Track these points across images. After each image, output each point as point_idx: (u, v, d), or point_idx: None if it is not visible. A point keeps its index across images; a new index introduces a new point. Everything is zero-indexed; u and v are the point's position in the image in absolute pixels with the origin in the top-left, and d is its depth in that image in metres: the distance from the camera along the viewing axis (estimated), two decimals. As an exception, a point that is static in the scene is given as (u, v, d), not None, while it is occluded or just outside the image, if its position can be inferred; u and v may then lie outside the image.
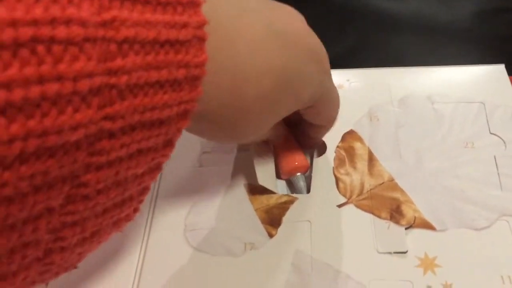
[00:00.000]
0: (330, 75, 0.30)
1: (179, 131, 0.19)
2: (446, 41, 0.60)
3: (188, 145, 0.39)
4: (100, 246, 0.33)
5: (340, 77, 0.42)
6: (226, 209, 0.35)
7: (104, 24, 0.14)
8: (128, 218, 0.20)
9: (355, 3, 0.64)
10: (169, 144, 0.19)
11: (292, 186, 0.37)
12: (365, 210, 0.34)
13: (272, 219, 0.34)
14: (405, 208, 0.34)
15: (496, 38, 0.59)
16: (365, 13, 0.63)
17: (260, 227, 0.34)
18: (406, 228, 0.33)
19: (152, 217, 0.35)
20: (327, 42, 0.64)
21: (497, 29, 0.60)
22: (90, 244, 0.19)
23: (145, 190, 0.20)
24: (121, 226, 0.20)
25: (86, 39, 0.13)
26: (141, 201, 0.20)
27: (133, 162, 0.17)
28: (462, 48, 0.58)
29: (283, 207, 0.35)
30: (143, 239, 0.34)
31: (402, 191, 0.35)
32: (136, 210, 0.21)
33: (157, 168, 0.19)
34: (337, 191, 0.35)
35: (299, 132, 0.36)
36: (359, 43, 0.60)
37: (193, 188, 0.36)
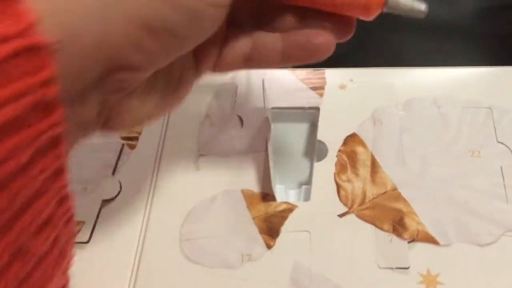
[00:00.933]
0: None
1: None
2: (447, 39, 0.58)
3: (184, 148, 0.38)
4: (93, 256, 0.32)
5: (343, 77, 0.41)
6: (223, 217, 0.34)
7: None
8: None
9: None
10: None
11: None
12: (367, 221, 0.33)
13: (271, 229, 0.33)
14: (408, 221, 0.33)
15: (497, 36, 0.58)
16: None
17: (258, 238, 0.33)
18: (409, 242, 0.32)
19: (146, 226, 0.34)
20: None
21: (499, 27, 0.59)
22: None
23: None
24: None
25: None
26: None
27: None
28: (464, 46, 0.57)
29: (282, 216, 0.34)
30: (136, 250, 0.33)
31: (405, 201, 0.34)
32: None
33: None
34: (338, 199, 0.34)
35: None
36: (360, 42, 0.58)
37: (189, 194, 0.35)
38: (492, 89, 0.39)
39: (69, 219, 0.17)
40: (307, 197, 0.35)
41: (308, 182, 0.36)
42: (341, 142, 0.37)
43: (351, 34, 0.25)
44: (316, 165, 0.36)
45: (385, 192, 0.34)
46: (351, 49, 0.57)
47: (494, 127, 0.37)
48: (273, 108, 0.40)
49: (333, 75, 0.41)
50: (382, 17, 0.63)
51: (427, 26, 0.63)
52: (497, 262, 0.31)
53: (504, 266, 0.31)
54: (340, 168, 0.36)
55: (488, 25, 0.62)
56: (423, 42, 0.60)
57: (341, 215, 0.33)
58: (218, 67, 0.24)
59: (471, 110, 0.38)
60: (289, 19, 0.24)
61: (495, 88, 0.39)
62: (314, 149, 0.37)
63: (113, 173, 0.37)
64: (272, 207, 0.34)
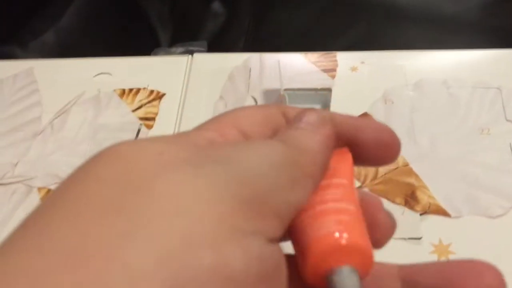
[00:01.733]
0: None
1: None
2: (452, 32, 0.59)
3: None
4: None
5: (354, 59, 0.42)
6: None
7: None
8: None
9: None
10: None
11: None
12: (379, 195, 0.34)
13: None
14: (419, 194, 0.34)
15: (502, 28, 0.58)
16: (374, 5, 0.63)
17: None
18: (421, 214, 0.33)
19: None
20: (336, 33, 0.63)
21: (503, 20, 0.60)
22: None
23: None
24: None
25: None
26: None
27: None
28: (469, 39, 0.58)
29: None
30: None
31: (416, 176, 0.35)
32: None
33: None
34: (351, 175, 0.35)
35: None
36: (367, 35, 0.59)
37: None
38: (501, 70, 0.40)
39: None
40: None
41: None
42: (353, 121, 0.38)
43: None
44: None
45: (397, 167, 0.35)
46: (357, 43, 0.59)
47: (503, 106, 0.38)
48: (286, 89, 0.41)
49: (345, 58, 0.42)
50: (386, 14, 0.64)
51: (433, 20, 0.64)
52: (507, 232, 0.32)
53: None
54: (353, 146, 0.37)
55: (493, 18, 0.63)
56: (429, 36, 0.61)
57: (354, 190, 0.34)
58: None
59: (480, 91, 0.39)
60: None
61: (504, 69, 0.40)
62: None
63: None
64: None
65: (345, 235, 0.16)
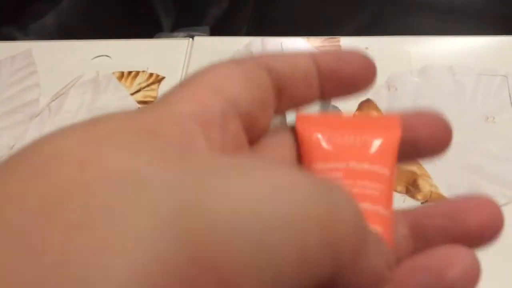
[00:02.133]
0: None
1: None
2: (459, 20, 0.58)
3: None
4: None
5: (359, 44, 0.41)
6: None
7: None
8: None
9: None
10: None
11: None
12: (381, 183, 0.33)
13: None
14: (421, 182, 0.33)
15: (508, 16, 0.57)
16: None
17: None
18: (422, 203, 0.32)
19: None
20: (342, 20, 0.62)
21: (508, 9, 0.59)
22: None
23: None
24: None
25: None
26: None
27: None
28: (475, 27, 0.57)
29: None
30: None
31: (419, 164, 0.34)
32: None
33: None
34: (352, 162, 0.35)
35: None
36: (373, 22, 0.58)
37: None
38: (507, 57, 0.39)
39: None
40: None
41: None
42: (355, 107, 0.37)
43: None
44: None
45: (399, 155, 0.35)
46: (362, 30, 0.58)
47: (510, 94, 0.37)
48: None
49: (349, 43, 0.41)
50: (392, 2, 0.63)
51: (440, 9, 0.63)
52: (510, 222, 0.31)
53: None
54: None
55: (501, 6, 0.61)
56: (436, 25, 0.60)
57: (355, 177, 0.34)
58: None
59: (486, 78, 0.38)
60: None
61: (509, 56, 0.39)
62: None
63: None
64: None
65: None
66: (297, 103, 0.17)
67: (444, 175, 0.33)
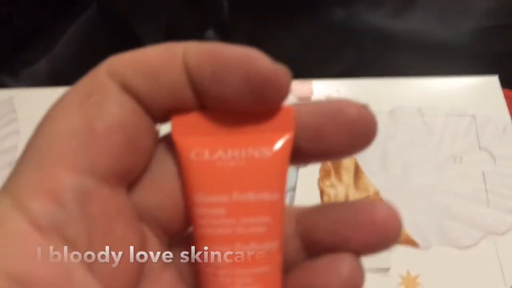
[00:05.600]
0: None
1: None
2: (444, 58, 0.59)
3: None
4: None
5: (330, 87, 0.42)
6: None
7: None
8: None
9: (354, 22, 0.63)
10: None
11: None
12: (349, 225, 0.33)
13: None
14: (389, 224, 0.33)
15: (493, 55, 0.58)
16: (365, 32, 0.63)
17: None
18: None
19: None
20: (328, 61, 0.63)
21: (495, 46, 0.60)
22: None
23: None
24: None
25: None
26: None
27: None
28: (460, 64, 0.58)
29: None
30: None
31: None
32: None
33: None
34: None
35: None
36: (358, 62, 0.60)
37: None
38: (475, 98, 0.39)
39: None
40: (291, 203, 0.36)
41: (293, 188, 0.37)
42: (326, 149, 0.38)
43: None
44: (301, 171, 0.37)
45: (367, 196, 0.35)
46: (348, 70, 0.59)
47: (477, 134, 0.37)
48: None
49: (320, 86, 0.42)
50: (377, 41, 0.65)
51: (424, 46, 0.64)
52: (477, 264, 0.31)
53: (483, 268, 0.31)
54: (324, 174, 0.36)
55: (484, 44, 0.63)
56: (421, 62, 0.61)
57: (323, 219, 0.34)
58: None
59: (455, 118, 0.38)
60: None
61: (479, 97, 0.40)
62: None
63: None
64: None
65: None
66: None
67: (411, 216, 0.33)
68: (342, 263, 0.15)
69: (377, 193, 0.35)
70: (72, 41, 0.71)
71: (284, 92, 0.14)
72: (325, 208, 0.16)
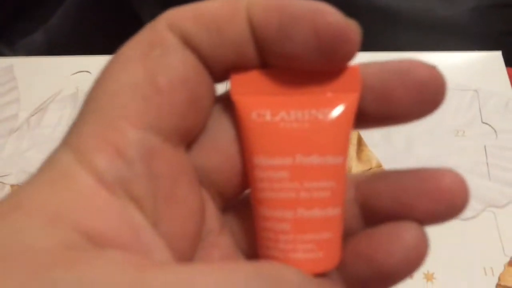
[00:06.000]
0: None
1: None
2: (445, 36, 0.59)
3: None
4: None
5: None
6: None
7: None
8: None
9: (356, 0, 0.63)
10: None
11: None
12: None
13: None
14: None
15: (493, 33, 0.58)
16: (366, 9, 0.62)
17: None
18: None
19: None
20: None
21: (495, 25, 0.60)
22: None
23: None
24: None
25: None
26: None
27: None
28: (461, 43, 0.57)
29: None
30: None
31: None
32: None
33: None
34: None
35: None
36: (361, 38, 0.59)
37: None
38: (479, 73, 0.39)
39: None
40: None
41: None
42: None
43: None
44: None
45: (370, 168, 0.35)
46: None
47: (480, 108, 0.37)
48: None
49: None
50: (379, 19, 0.64)
51: (425, 24, 0.64)
52: (477, 236, 0.31)
53: (484, 240, 0.31)
54: (327, 146, 0.37)
55: (484, 22, 0.62)
56: (422, 40, 0.61)
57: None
58: None
59: (458, 92, 0.39)
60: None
61: (482, 72, 0.39)
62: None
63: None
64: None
65: (320, 267, 0.14)
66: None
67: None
68: (406, 231, 0.14)
69: (379, 166, 0.35)
70: (69, 12, 0.70)
71: (354, 49, 0.13)
72: (387, 175, 0.15)
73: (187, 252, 0.14)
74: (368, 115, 0.14)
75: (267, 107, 0.14)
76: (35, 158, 0.38)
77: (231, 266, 0.11)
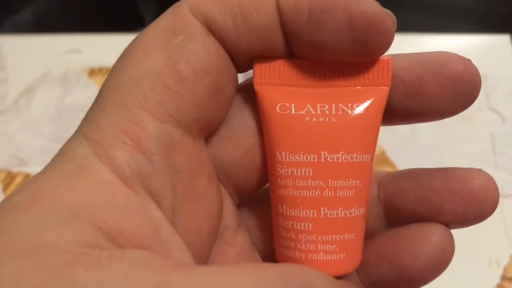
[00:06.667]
0: None
1: None
2: (450, 19, 0.58)
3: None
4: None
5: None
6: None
7: None
8: None
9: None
10: None
11: None
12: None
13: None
14: (395, 184, 0.32)
15: (499, 16, 0.57)
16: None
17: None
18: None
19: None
20: None
21: (501, 8, 0.58)
22: None
23: None
24: None
25: None
26: None
27: None
28: (466, 26, 0.56)
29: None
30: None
31: (393, 165, 0.33)
32: None
33: None
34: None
35: None
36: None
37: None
38: (486, 56, 0.38)
39: None
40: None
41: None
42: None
43: None
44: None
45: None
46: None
47: (487, 94, 0.36)
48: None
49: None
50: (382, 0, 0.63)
51: (429, 7, 0.62)
52: (482, 226, 0.30)
53: (489, 231, 0.30)
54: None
55: (490, 6, 0.61)
56: (426, 23, 0.60)
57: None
58: None
59: (464, 77, 0.37)
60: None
61: (490, 55, 0.38)
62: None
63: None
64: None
65: (342, 269, 0.13)
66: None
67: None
68: (433, 233, 0.14)
69: (383, 153, 0.34)
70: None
71: (389, 40, 0.13)
72: (414, 175, 0.14)
73: (204, 249, 0.13)
74: (398, 110, 0.14)
75: (292, 99, 0.13)
76: (23, 143, 0.36)
77: (258, 271, 0.11)
